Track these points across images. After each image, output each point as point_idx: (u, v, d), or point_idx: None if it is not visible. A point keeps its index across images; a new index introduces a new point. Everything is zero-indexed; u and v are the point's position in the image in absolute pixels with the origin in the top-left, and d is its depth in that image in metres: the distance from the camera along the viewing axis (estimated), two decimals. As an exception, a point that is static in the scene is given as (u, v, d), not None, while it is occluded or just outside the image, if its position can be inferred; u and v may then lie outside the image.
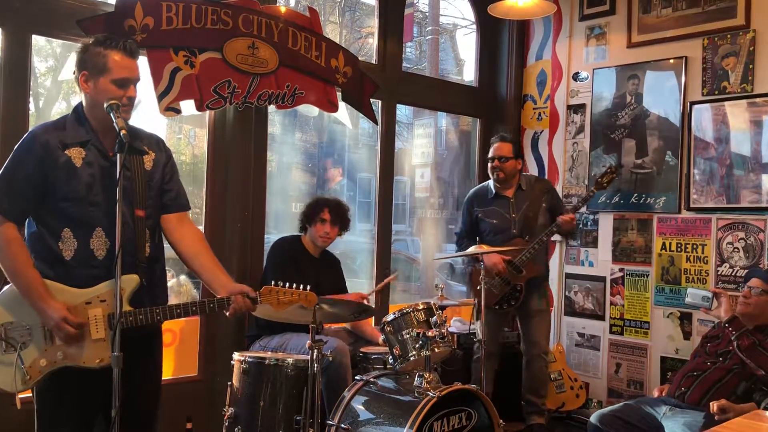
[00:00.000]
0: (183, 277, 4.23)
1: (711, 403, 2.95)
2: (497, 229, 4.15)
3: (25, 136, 2.34)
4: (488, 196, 4.26)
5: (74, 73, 2.34)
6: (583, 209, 4.66)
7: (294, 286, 2.48)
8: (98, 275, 2.27)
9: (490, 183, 4.28)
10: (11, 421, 3.05)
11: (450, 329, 4.31)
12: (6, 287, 2.30)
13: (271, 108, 4.01)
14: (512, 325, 4.76)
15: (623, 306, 4.71)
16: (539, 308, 4.20)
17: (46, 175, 2.26)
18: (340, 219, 3.82)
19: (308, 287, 2.51)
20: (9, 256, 2.25)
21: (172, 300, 2.61)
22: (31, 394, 2.34)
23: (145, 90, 3.48)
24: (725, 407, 2.86)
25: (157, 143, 2.50)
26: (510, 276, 4.04)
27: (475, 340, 4.22)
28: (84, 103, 2.35)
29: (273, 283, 2.46)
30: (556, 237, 4.96)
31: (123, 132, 2.12)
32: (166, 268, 2.55)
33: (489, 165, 4.21)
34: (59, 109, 4.38)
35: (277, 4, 4.02)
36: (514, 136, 4.68)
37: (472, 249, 3.85)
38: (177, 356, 3.90)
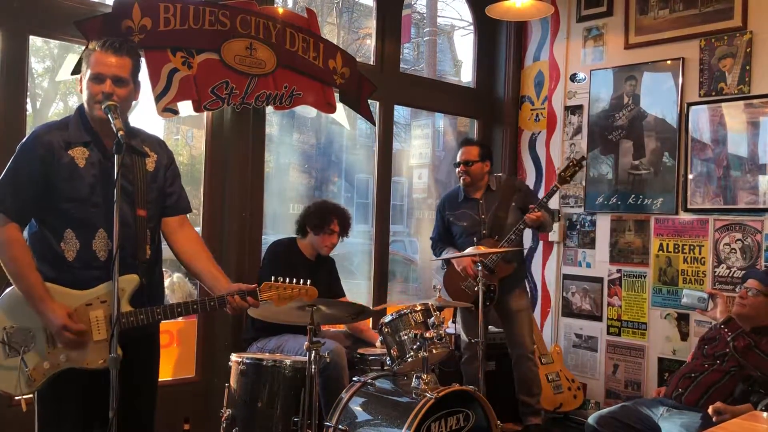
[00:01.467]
0: (177, 276, 4.23)
1: (710, 409, 2.95)
2: (468, 231, 4.17)
3: (27, 135, 2.34)
4: (458, 199, 4.29)
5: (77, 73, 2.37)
6: (557, 205, 4.61)
7: (294, 281, 2.49)
8: (100, 276, 2.28)
9: (460, 186, 4.31)
10: (11, 421, 3.05)
11: (447, 330, 4.31)
12: (8, 290, 2.29)
13: (269, 109, 4.01)
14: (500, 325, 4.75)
15: (621, 307, 4.72)
16: (518, 308, 4.20)
17: (49, 175, 2.26)
18: (345, 229, 3.85)
19: (308, 282, 2.52)
20: (11, 258, 2.24)
21: (169, 299, 2.61)
22: (31, 395, 2.33)
23: (143, 91, 3.48)
24: (721, 409, 2.86)
25: (159, 145, 2.50)
26: (482, 276, 4.04)
27: (472, 341, 4.24)
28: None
29: (273, 279, 2.46)
30: (554, 237, 4.99)
31: (120, 133, 2.12)
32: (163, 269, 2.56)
33: (456, 169, 4.25)
34: (56, 110, 4.37)
35: (275, 5, 4.02)
36: (480, 139, 4.70)
37: (469, 250, 3.85)
38: (175, 357, 3.90)
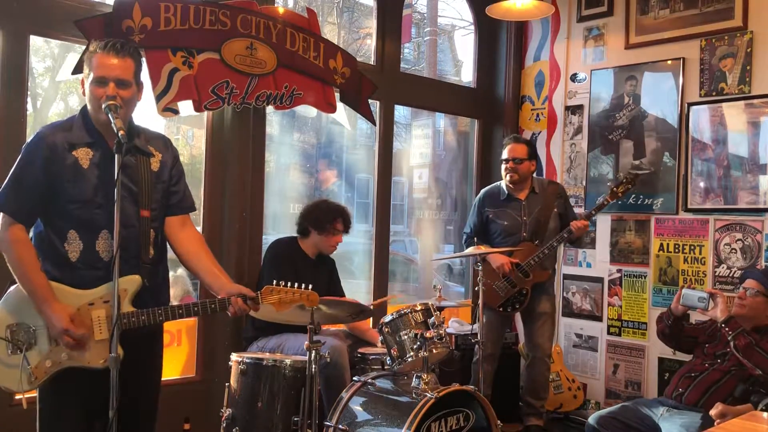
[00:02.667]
0: (180, 271, 4.22)
1: (712, 413, 2.95)
2: (507, 231, 4.12)
3: (32, 137, 2.35)
4: (500, 197, 4.21)
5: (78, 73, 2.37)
6: (595, 217, 4.58)
7: (295, 285, 2.48)
8: (103, 276, 2.28)
9: (502, 184, 4.23)
10: (13, 419, 3.05)
11: (448, 330, 4.31)
12: (11, 288, 2.31)
13: (269, 109, 4.01)
14: (511, 326, 4.75)
15: (621, 307, 4.72)
16: (544, 311, 4.17)
17: (53, 176, 2.26)
18: (348, 227, 3.86)
19: (309, 286, 2.52)
20: (17, 259, 2.26)
21: (171, 294, 2.62)
22: (35, 394, 2.35)
23: (143, 90, 3.48)
24: (724, 412, 2.86)
25: (164, 143, 2.50)
26: (516, 279, 4.02)
27: (473, 341, 4.23)
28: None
29: (274, 283, 2.46)
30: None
31: (121, 133, 2.12)
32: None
33: (503, 166, 4.16)
34: (57, 110, 4.37)
35: (276, 5, 4.02)
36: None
37: (469, 250, 3.85)
38: (175, 357, 3.90)
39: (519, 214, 4.13)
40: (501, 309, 4.11)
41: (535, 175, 4.28)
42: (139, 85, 2.37)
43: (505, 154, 4.16)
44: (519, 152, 4.13)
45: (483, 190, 4.41)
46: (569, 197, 4.65)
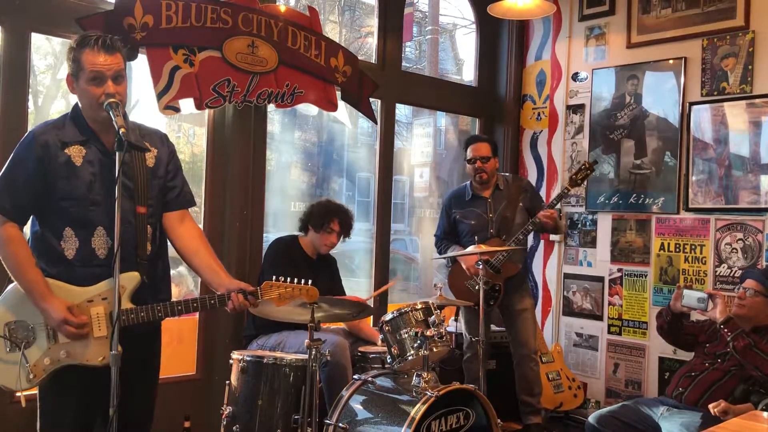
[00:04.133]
0: (181, 269, 4.22)
1: (710, 406, 2.95)
2: (474, 229, 4.14)
3: (24, 136, 2.34)
4: (465, 197, 4.25)
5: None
6: (559, 206, 4.58)
7: (295, 281, 2.49)
8: (100, 274, 2.28)
9: (468, 184, 4.28)
10: (13, 418, 3.06)
11: (448, 329, 4.31)
12: (9, 286, 2.31)
13: (271, 107, 4.01)
14: (498, 323, 4.75)
15: (621, 306, 4.72)
16: (522, 308, 4.19)
17: (46, 174, 2.26)
18: (347, 230, 3.85)
19: (309, 282, 2.52)
20: (10, 255, 2.26)
21: (172, 292, 2.61)
22: (34, 392, 2.35)
23: (145, 88, 3.49)
24: (726, 409, 2.86)
25: (160, 139, 2.49)
26: (488, 276, 4.03)
27: (473, 340, 4.24)
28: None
29: (274, 278, 2.46)
30: (555, 237, 4.99)
31: (122, 130, 2.11)
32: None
33: (470, 167, 4.18)
34: (58, 108, 4.38)
35: (277, 3, 4.02)
36: (489, 135, 4.68)
37: (470, 249, 3.85)
38: (175, 355, 3.90)
39: (485, 212, 4.16)
40: (476, 306, 4.12)
41: (499, 171, 4.31)
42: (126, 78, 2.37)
43: (469, 154, 4.18)
44: (483, 150, 4.15)
45: (448, 193, 4.47)
46: (570, 196, 4.66)
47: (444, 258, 4.31)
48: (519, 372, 4.24)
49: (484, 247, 3.81)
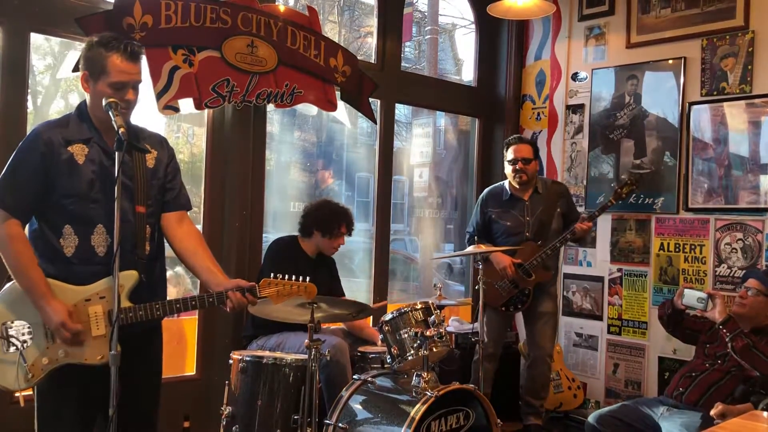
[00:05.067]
0: (179, 269, 4.21)
1: (712, 413, 2.95)
2: (510, 231, 4.10)
3: (28, 133, 2.35)
4: (503, 197, 4.19)
5: (78, 70, 2.34)
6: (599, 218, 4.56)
7: (293, 278, 2.49)
8: (98, 272, 2.28)
9: (506, 184, 4.22)
10: (12, 418, 3.05)
11: (448, 329, 4.31)
12: (7, 285, 2.31)
13: (270, 107, 4.01)
14: (511, 325, 4.74)
15: (621, 306, 4.71)
16: (546, 311, 4.16)
17: (49, 171, 2.27)
18: (351, 229, 3.86)
19: (308, 279, 2.52)
20: (12, 254, 2.26)
21: (170, 292, 2.61)
22: (32, 392, 2.34)
23: (144, 88, 3.48)
24: (725, 411, 2.86)
25: (160, 142, 2.51)
26: (518, 279, 4.01)
27: (473, 340, 4.23)
28: (87, 102, 2.36)
29: (272, 276, 2.46)
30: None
31: (122, 130, 2.13)
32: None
33: (510, 167, 4.11)
34: (57, 107, 4.37)
35: (276, 3, 4.01)
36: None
37: (469, 249, 3.85)
38: (175, 355, 3.90)
39: (522, 214, 4.11)
40: (503, 308, 4.10)
41: (537, 174, 4.27)
42: None
43: (511, 155, 4.11)
44: (526, 152, 4.10)
45: (486, 190, 4.38)
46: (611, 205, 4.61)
47: (443, 258, 4.29)
48: (530, 373, 4.22)
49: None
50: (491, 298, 3.97)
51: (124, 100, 2.27)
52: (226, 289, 2.37)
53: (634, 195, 4.55)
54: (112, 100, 2.23)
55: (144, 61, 3.32)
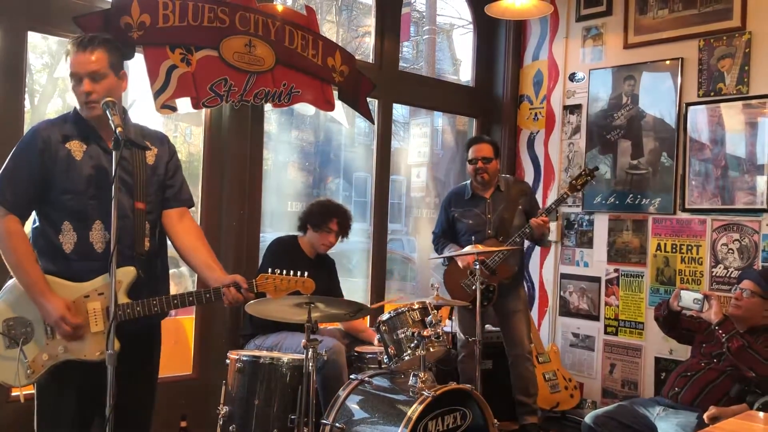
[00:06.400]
0: (182, 268, 4.22)
1: (705, 417, 2.95)
2: (472, 229, 4.15)
3: (27, 131, 2.38)
4: (465, 196, 4.25)
5: None
6: (557, 212, 4.63)
7: (291, 273, 2.49)
8: (97, 268, 2.29)
9: (468, 183, 4.28)
10: (11, 415, 3.05)
11: (445, 329, 4.31)
12: (8, 283, 2.32)
13: (268, 106, 4.01)
14: (493, 323, 4.74)
15: (618, 306, 4.72)
16: (516, 309, 4.20)
17: (47, 168, 2.29)
18: (345, 230, 3.85)
19: (305, 274, 2.52)
20: (10, 249, 2.27)
21: (171, 291, 2.62)
22: (31, 390, 2.35)
23: (142, 87, 3.48)
24: (716, 415, 2.87)
25: (161, 140, 2.53)
26: (483, 276, 4.04)
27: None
28: None
29: (270, 271, 2.46)
30: (552, 237, 4.97)
31: (119, 129, 2.13)
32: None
33: (471, 167, 4.18)
34: (55, 106, 4.37)
35: (274, 3, 4.02)
36: (487, 136, 4.68)
37: (468, 248, 3.85)
38: (172, 354, 3.89)
39: (484, 212, 4.17)
40: (471, 306, 4.12)
41: (501, 173, 4.31)
42: (120, 75, 2.36)
43: (471, 154, 4.18)
44: (486, 151, 4.15)
45: (449, 191, 4.46)
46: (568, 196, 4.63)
47: (441, 258, 4.31)
48: (514, 372, 4.25)
49: (481, 247, 3.81)
50: (459, 297, 4.02)
51: (82, 92, 2.26)
52: (222, 284, 2.37)
53: (630, 195, 4.57)
54: (109, 99, 2.24)
55: (141, 60, 3.36)
